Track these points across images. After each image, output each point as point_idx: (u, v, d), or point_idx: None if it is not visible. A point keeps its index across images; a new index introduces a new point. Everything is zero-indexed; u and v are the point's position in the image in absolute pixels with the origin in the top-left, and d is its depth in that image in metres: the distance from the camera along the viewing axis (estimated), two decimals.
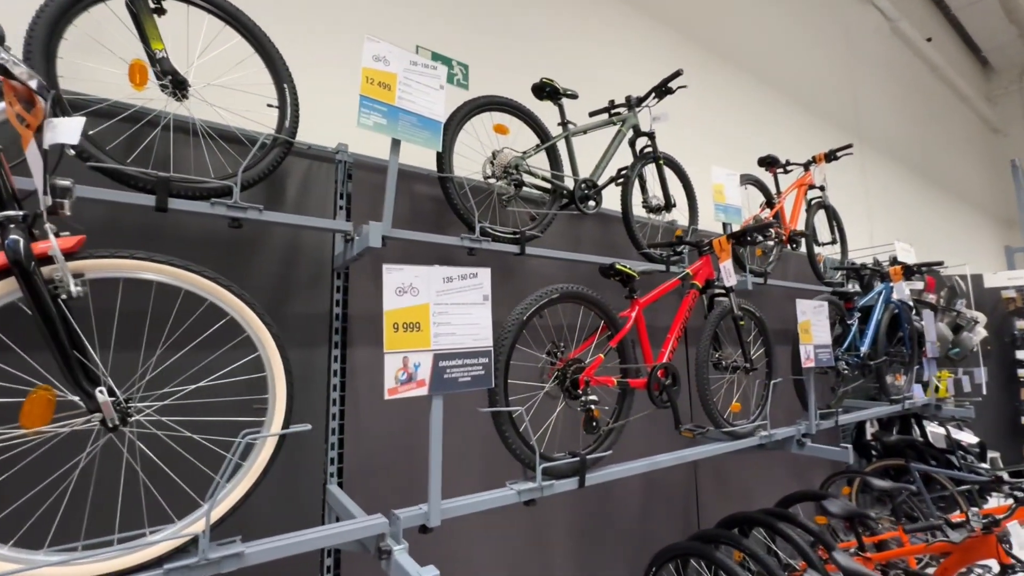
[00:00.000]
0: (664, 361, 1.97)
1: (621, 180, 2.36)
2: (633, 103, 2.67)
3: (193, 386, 1.34)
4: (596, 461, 1.75)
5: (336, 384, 1.86)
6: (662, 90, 2.62)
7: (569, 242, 2.69)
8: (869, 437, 4.02)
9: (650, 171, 2.76)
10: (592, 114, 2.69)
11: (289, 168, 1.91)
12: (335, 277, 1.95)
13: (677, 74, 2.54)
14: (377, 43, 1.73)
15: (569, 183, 2.36)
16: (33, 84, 1.02)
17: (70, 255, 1.02)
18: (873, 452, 4.06)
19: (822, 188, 3.94)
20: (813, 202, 3.88)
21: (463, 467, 2.06)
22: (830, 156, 3.85)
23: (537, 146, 2.26)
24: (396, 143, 1.78)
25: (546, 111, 2.40)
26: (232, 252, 1.75)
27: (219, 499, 1.07)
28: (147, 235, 1.59)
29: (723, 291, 2.27)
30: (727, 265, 2.23)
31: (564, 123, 2.39)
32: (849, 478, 3.75)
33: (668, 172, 2.86)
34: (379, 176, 2.13)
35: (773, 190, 3.62)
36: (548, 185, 2.30)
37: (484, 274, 1.47)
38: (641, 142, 2.74)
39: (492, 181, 2.17)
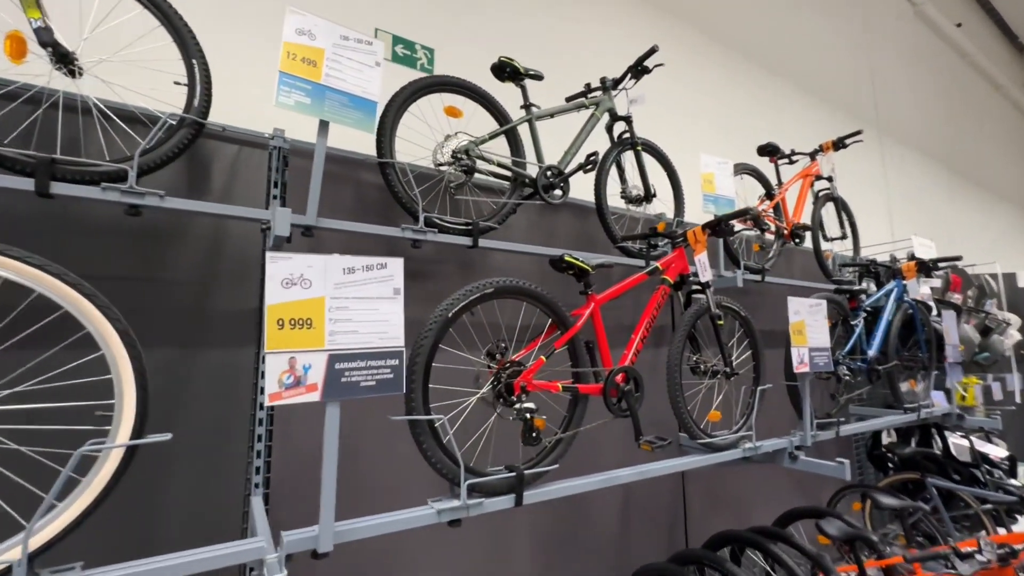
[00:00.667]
0: (625, 365, 1.76)
1: (589, 167, 2.16)
2: (608, 85, 2.47)
3: (10, 391, 1.20)
4: (539, 476, 1.55)
5: (263, 387, 1.71)
6: (638, 70, 2.41)
7: (541, 235, 2.50)
8: (885, 448, 3.71)
9: (629, 159, 2.56)
10: (570, 99, 2.50)
11: (217, 154, 1.78)
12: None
13: (652, 51, 2.34)
14: (302, 16, 1.58)
15: (533, 171, 2.17)
16: None
17: None
18: (890, 464, 3.74)
19: (830, 179, 3.65)
20: (821, 194, 3.60)
21: (419, 475, 1.89)
22: (839, 144, 3.56)
23: (494, 131, 2.08)
24: (324, 125, 1.63)
25: (514, 96, 2.22)
26: (149, 243, 1.62)
27: (45, 520, 0.92)
28: (44, 224, 1.47)
29: (700, 287, 2.05)
30: (702, 258, 2.01)
31: (527, 106, 2.21)
32: (863, 492, 3.45)
33: (649, 160, 2.65)
34: (327, 165, 1.98)
35: (774, 181, 3.36)
36: (508, 173, 2.12)
37: (395, 265, 1.30)
38: (619, 128, 2.54)
39: (444, 168, 2.01)
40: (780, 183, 3.37)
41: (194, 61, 1.51)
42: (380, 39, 2.46)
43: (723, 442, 2.06)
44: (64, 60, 1.33)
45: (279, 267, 1.16)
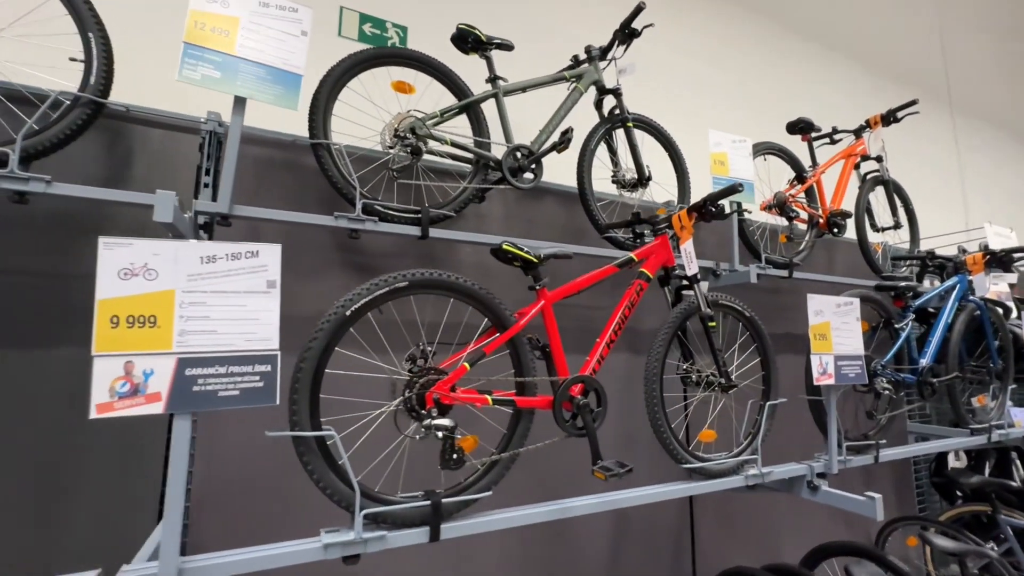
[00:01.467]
0: (583, 374, 1.48)
1: (562, 145, 1.89)
2: (595, 55, 2.18)
3: None
4: (465, 505, 1.31)
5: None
6: (626, 34, 2.11)
7: (519, 225, 2.25)
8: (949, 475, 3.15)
9: (624, 139, 2.26)
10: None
11: (146, 141, 1.66)
12: None
13: (639, 9, 2.03)
14: None
15: (500, 153, 1.92)
16: None
17: None
18: (959, 493, 3.18)
19: (879, 159, 3.15)
20: (869, 177, 3.12)
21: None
22: (889, 118, 3.06)
23: (450, 107, 1.85)
24: (240, 101, 1.46)
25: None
26: (63, 235, 1.52)
27: None
28: None
29: (686, 282, 1.73)
30: (687, 248, 1.68)
31: (493, 79, 1.96)
32: (923, 525, 2.93)
33: (647, 139, 2.33)
34: (273, 151, 1.83)
35: (808, 163, 2.92)
36: (469, 155, 1.88)
37: (270, 253, 1.10)
38: (610, 103, 2.24)
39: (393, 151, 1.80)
40: (815, 164, 2.92)
41: (91, 35, 1.39)
42: (346, 17, 2.28)
43: (717, 467, 1.73)
44: None
45: (116, 255, 0.98)
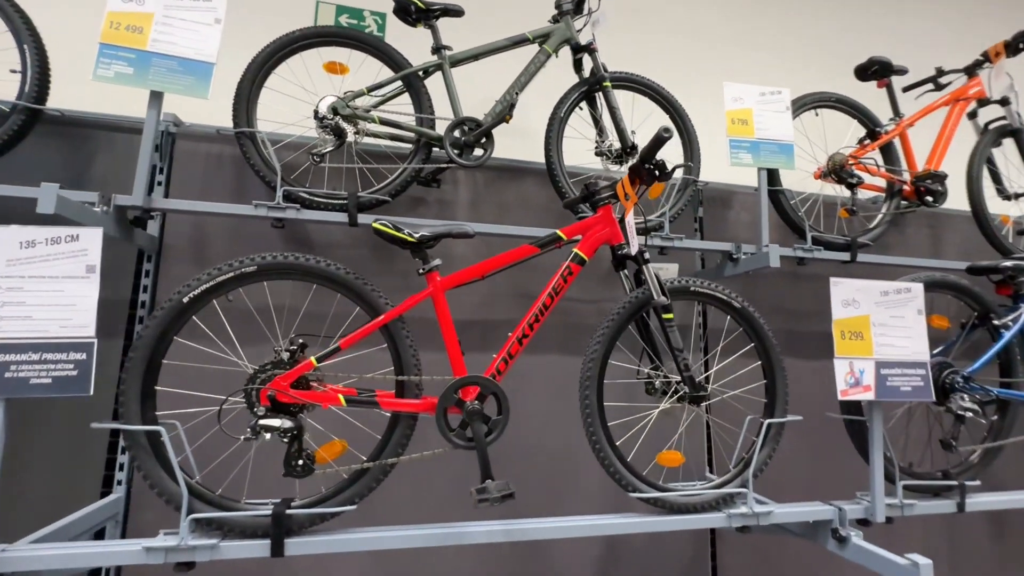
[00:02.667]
0: (481, 375, 1.23)
1: (504, 112, 1.64)
2: (567, 8, 1.89)
3: None
4: (321, 519, 1.15)
5: None
6: None
7: (489, 209, 2.04)
8: None
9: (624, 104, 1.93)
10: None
11: (104, 144, 1.77)
12: (144, 260, 1.74)
13: None
14: None
15: (442, 129, 1.74)
16: None
17: None
18: None
19: (1005, 102, 2.36)
20: (991, 126, 2.35)
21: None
22: (1015, 45, 2.27)
23: (380, 83, 1.72)
24: (155, 96, 1.48)
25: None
26: None
27: None
28: None
29: (635, 263, 1.38)
30: (628, 221, 1.34)
31: (438, 48, 1.79)
32: None
33: (642, 101, 1.98)
34: (223, 147, 1.86)
35: (886, 116, 2.27)
36: (405, 134, 1.73)
37: (90, 237, 1.06)
38: (589, 64, 1.93)
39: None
40: (897, 116, 2.27)
41: (25, 47, 1.49)
42: (322, 11, 2.27)
43: (685, 499, 1.35)
44: None
45: None
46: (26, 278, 1.03)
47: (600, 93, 1.91)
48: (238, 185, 1.85)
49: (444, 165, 1.79)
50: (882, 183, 2.25)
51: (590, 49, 1.86)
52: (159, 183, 1.78)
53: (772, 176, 2.04)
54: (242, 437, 1.09)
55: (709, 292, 1.43)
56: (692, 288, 1.42)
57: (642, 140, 2.13)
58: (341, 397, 1.14)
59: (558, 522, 1.26)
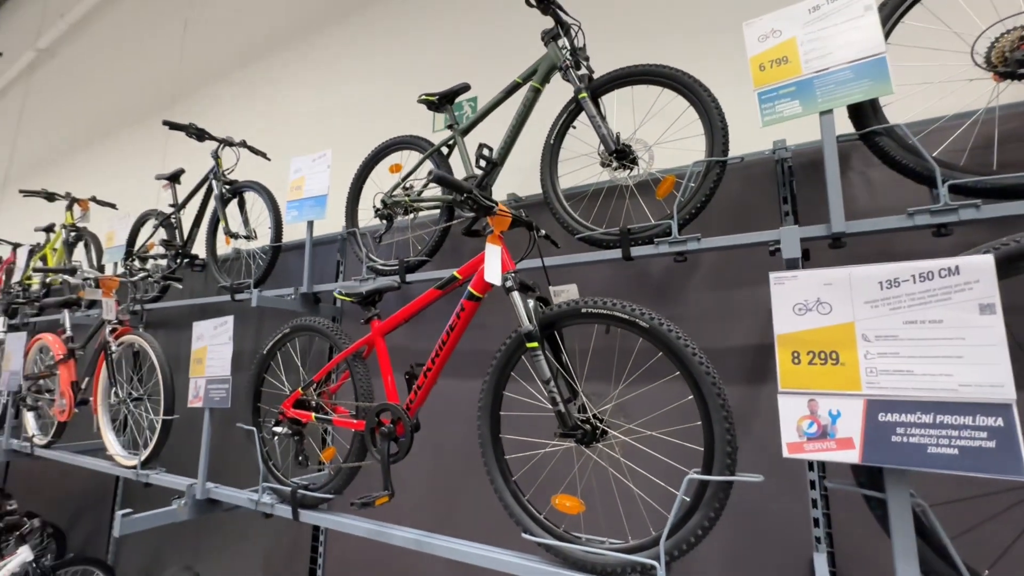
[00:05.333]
0: (393, 404, 1.49)
1: (500, 157, 1.78)
2: (547, 39, 1.87)
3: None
4: (319, 501, 1.65)
5: None
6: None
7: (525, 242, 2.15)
8: None
9: (622, 101, 1.80)
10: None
11: (300, 257, 2.90)
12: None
13: None
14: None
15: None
16: None
17: None
18: None
19: None
20: None
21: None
22: None
23: (411, 170, 2.18)
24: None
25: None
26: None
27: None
28: None
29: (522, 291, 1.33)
30: (489, 248, 1.30)
31: (450, 125, 2.13)
32: None
33: (644, 92, 1.75)
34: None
35: None
36: (434, 203, 2.13)
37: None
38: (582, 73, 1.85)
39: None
40: None
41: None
42: (437, 118, 2.96)
43: (581, 554, 1.18)
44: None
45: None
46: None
47: (605, 96, 1.80)
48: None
49: (473, 216, 2.07)
50: None
51: (563, 68, 1.80)
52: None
53: (860, 114, 1.39)
54: (273, 436, 1.74)
55: (606, 312, 1.22)
56: (584, 310, 1.24)
57: (658, 128, 1.85)
58: (313, 416, 1.64)
59: (453, 543, 1.35)
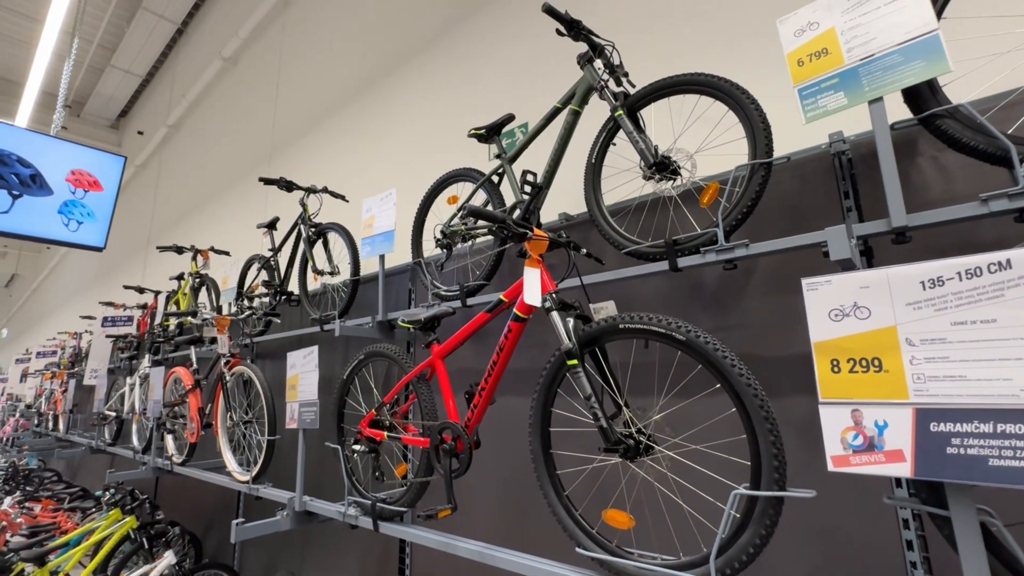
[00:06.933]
0: (453, 422, 1.60)
1: (544, 182, 1.87)
2: (589, 56, 1.93)
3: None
4: (394, 513, 1.79)
5: None
6: (574, 30, 1.82)
7: (577, 258, 2.19)
8: None
9: (653, 116, 1.82)
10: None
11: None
12: None
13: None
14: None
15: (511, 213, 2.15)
16: None
17: None
18: None
19: None
20: None
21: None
22: None
23: (467, 198, 2.31)
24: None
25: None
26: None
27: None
28: None
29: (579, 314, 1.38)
30: (528, 271, 1.36)
31: (498, 155, 2.24)
32: None
33: (680, 102, 1.75)
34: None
35: None
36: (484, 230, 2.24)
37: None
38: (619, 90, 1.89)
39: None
40: None
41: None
42: (490, 148, 3.13)
43: (633, 569, 1.18)
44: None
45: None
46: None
47: (643, 110, 1.82)
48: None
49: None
50: None
51: (599, 88, 1.85)
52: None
53: (917, 97, 1.30)
54: (353, 454, 1.91)
55: (642, 327, 1.23)
56: (621, 326, 1.27)
57: (701, 136, 1.83)
58: (386, 434, 1.79)
59: (513, 555, 1.41)
